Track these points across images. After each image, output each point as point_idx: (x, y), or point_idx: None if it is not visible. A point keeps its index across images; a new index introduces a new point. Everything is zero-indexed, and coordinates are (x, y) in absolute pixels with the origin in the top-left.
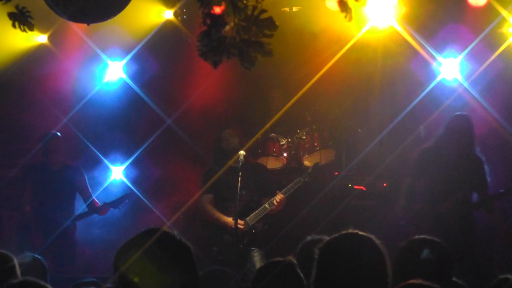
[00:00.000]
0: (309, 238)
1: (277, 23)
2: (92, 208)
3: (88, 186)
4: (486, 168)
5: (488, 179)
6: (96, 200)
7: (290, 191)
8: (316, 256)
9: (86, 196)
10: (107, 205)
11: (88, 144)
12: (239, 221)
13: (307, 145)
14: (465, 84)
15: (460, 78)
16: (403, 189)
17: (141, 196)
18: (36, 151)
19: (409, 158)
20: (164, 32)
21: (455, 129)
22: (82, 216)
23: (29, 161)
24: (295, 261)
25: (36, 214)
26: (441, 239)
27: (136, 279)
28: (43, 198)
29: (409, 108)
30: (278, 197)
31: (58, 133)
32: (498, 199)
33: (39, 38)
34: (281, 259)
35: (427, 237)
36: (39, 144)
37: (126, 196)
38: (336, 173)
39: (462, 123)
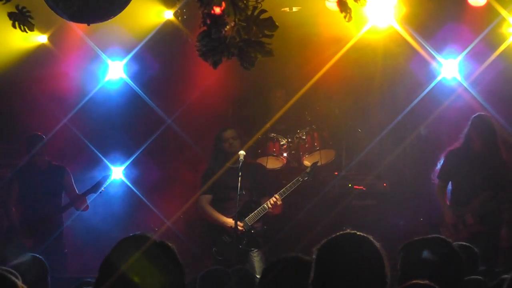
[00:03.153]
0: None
1: (277, 23)
2: (73, 199)
3: (74, 184)
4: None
5: None
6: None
7: (289, 191)
8: (314, 256)
9: (72, 195)
10: (86, 192)
11: (88, 144)
12: (238, 223)
13: (307, 145)
14: (465, 84)
15: (460, 78)
16: (437, 193)
17: (141, 196)
18: (23, 154)
19: (439, 161)
20: (164, 32)
21: (478, 130)
22: (64, 208)
23: (16, 162)
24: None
25: (24, 214)
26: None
27: (131, 284)
28: (31, 198)
29: (409, 108)
30: (273, 199)
31: (43, 135)
32: None
33: (39, 38)
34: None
35: (437, 236)
36: (25, 146)
37: (103, 179)
38: (336, 173)
39: (484, 123)
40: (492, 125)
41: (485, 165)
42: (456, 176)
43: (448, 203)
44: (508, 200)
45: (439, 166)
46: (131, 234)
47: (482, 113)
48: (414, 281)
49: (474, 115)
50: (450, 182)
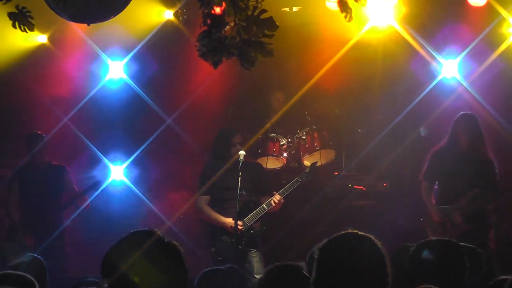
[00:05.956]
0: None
1: (277, 23)
2: (73, 197)
3: (74, 184)
4: (497, 170)
5: None
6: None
7: (288, 191)
8: (316, 256)
9: (73, 194)
10: (87, 190)
11: (88, 143)
12: (238, 223)
13: (307, 145)
14: (465, 84)
15: (459, 78)
16: (423, 193)
17: (141, 196)
18: (23, 153)
19: (423, 161)
20: (164, 32)
21: (464, 129)
22: (65, 206)
23: (16, 162)
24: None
25: (24, 214)
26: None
27: (135, 279)
28: (31, 197)
29: (409, 108)
30: (276, 198)
31: (43, 135)
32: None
33: (39, 38)
34: (290, 263)
35: (441, 238)
36: (25, 146)
37: (103, 177)
38: (336, 173)
39: (470, 122)
40: (478, 124)
41: (472, 165)
42: (442, 176)
43: (434, 202)
44: (494, 201)
45: (425, 166)
46: (139, 229)
47: (468, 112)
48: (423, 286)
49: (459, 114)
50: (436, 182)
